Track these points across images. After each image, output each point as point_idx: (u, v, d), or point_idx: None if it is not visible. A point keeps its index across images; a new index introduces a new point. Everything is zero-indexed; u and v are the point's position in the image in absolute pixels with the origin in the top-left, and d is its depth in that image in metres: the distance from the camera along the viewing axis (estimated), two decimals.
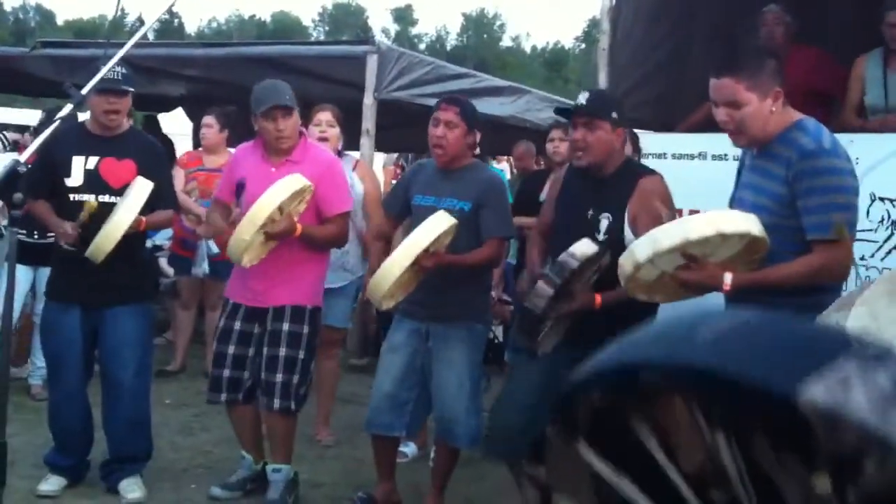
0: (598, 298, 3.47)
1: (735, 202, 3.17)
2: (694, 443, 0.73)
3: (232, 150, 6.46)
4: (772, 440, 0.69)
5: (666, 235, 2.81)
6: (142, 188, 4.12)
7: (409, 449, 5.06)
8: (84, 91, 2.91)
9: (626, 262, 2.90)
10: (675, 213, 3.58)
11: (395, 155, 11.46)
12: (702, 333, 0.73)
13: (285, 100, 4.19)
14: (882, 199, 4.75)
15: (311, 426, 5.24)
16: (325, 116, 5.25)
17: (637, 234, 3.44)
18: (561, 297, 3.39)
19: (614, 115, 3.59)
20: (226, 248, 3.92)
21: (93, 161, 4.24)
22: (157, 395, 5.39)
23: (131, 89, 4.27)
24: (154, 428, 4.53)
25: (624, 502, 0.78)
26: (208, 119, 6.73)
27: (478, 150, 4.28)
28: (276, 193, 3.94)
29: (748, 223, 2.82)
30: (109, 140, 4.28)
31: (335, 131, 5.24)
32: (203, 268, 6.49)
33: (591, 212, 3.60)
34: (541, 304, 3.35)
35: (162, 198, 4.32)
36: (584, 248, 3.36)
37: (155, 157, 4.43)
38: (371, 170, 5.90)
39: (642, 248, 2.83)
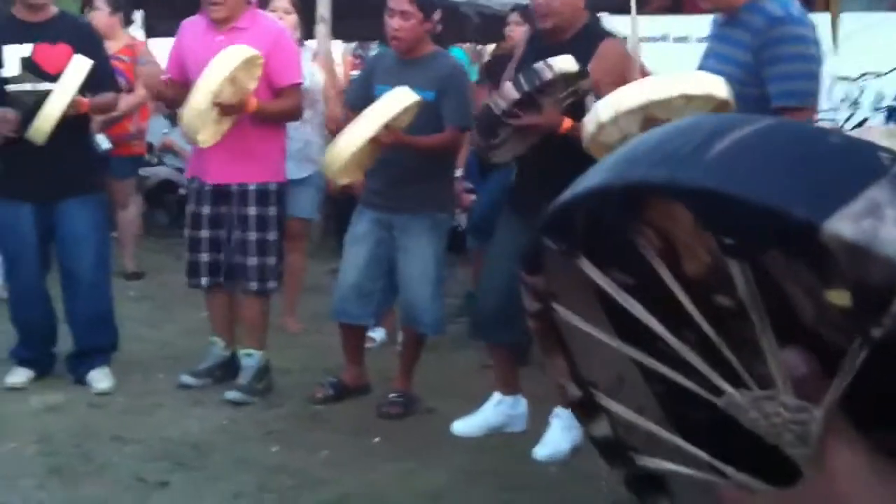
0: (567, 122, 3.36)
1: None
2: (698, 259, 0.70)
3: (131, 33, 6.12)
4: (786, 259, 0.64)
5: (629, 96, 2.78)
6: (78, 66, 3.99)
7: (377, 335, 5.10)
8: None
9: (588, 122, 2.87)
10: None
11: (354, 45, 11.23)
12: (710, 150, 0.66)
13: None
14: (843, 79, 4.78)
15: (278, 317, 5.24)
16: (281, 3, 5.08)
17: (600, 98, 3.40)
18: (528, 107, 3.33)
19: None
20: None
21: (27, 49, 4.10)
22: (121, 289, 5.37)
23: None
24: (119, 321, 4.51)
25: (628, 316, 0.75)
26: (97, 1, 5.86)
27: (439, 28, 4.17)
28: (226, 60, 3.85)
29: (713, 85, 2.80)
30: (40, 25, 4.14)
31: (292, 18, 5.08)
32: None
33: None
34: (502, 104, 3.31)
35: (101, 81, 4.20)
36: (562, 62, 3.30)
37: (90, 38, 4.29)
38: (330, 61, 5.69)
39: (605, 108, 2.80)
